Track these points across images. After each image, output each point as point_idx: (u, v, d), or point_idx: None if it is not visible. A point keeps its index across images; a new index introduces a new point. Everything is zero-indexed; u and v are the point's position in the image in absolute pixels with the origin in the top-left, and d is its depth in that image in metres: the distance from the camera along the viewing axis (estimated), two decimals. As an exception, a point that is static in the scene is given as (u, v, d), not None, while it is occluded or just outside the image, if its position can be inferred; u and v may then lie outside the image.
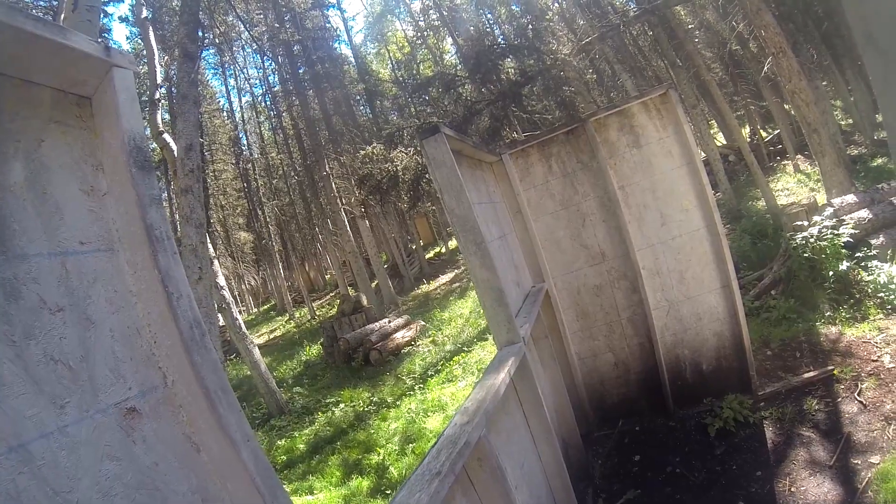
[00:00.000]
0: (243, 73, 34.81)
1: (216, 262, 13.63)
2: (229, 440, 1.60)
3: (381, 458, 8.65)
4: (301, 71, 26.97)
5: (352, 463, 8.89)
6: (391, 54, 37.88)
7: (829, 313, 7.09)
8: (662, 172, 5.96)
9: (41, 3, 19.37)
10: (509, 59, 19.30)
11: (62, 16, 4.32)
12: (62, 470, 1.37)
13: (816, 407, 5.46)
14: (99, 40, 1.79)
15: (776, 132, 20.99)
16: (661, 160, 5.95)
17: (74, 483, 1.38)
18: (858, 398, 5.38)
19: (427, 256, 31.21)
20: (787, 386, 5.94)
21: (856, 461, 4.62)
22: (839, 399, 5.49)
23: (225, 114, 36.65)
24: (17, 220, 1.51)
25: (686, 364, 6.26)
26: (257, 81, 34.89)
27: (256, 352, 13.74)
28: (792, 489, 4.58)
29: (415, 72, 32.50)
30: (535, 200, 6.36)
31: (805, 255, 7.66)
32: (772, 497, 4.55)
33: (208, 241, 13.28)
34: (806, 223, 8.34)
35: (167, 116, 28.77)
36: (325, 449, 10.06)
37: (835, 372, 5.85)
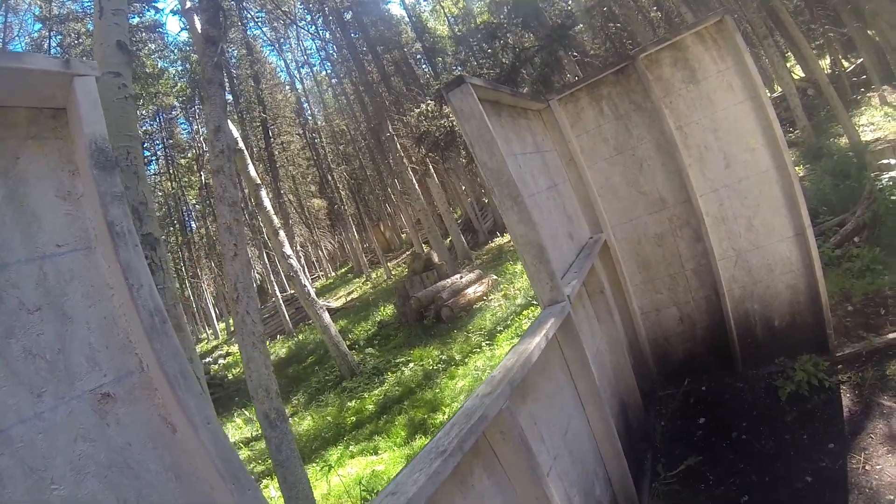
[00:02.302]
0: (300, 46, 35.26)
1: (281, 232, 14.12)
2: (189, 423, 1.71)
3: (445, 417, 8.84)
4: (355, 37, 27.03)
5: (417, 423, 9.14)
6: (446, 10, 37.22)
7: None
8: (723, 109, 5.52)
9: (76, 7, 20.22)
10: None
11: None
12: (38, 451, 1.54)
13: (902, 373, 4.82)
14: (58, 56, 1.91)
15: (859, 61, 19.30)
16: (722, 95, 5.50)
17: (49, 462, 1.54)
18: (952, 365, 4.80)
19: (501, 210, 30.89)
20: (868, 347, 5.29)
21: (944, 439, 4.16)
22: (929, 365, 4.91)
23: (287, 88, 37.24)
24: None
25: (756, 319, 5.85)
26: (314, 52, 35.31)
27: (326, 316, 14.21)
28: (866, 466, 4.10)
29: (472, 25, 31.87)
30: (587, 147, 6.07)
31: (893, 197, 7.05)
32: (843, 474, 4.10)
33: (271, 212, 13.74)
34: (893, 161, 7.70)
35: (229, 97, 29.77)
36: (392, 409, 10.38)
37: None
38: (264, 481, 8.51)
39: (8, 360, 1.58)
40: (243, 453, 11.28)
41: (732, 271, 5.79)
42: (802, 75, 20.61)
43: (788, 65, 20.94)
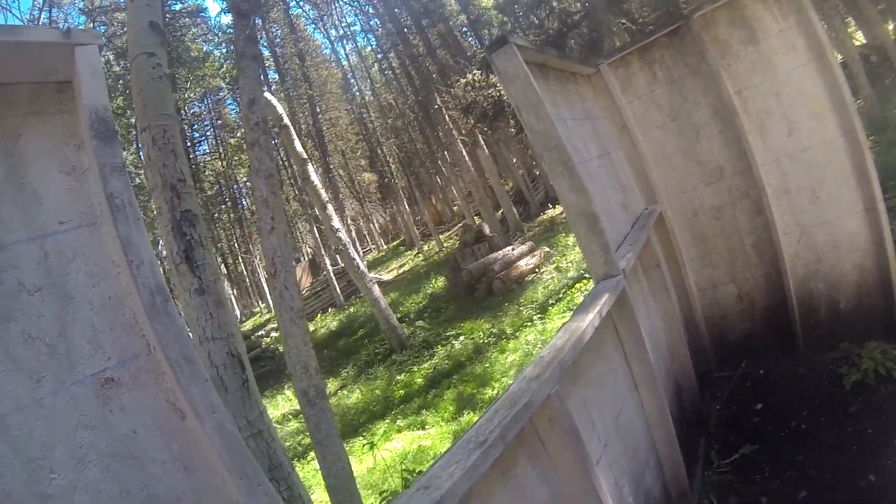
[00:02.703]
0: (343, 21, 35.28)
1: (329, 205, 14.17)
2: (193, 412, 1.60)
3: (495, 392, 8.75)
4: (399, 11, 26.83)
5: (466, 397, 9.08)
6: (493, -21, 36.52)
7: None
8: (786, 72, 5.09)
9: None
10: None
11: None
12: (37, 439, 1.47)
13: (978, 365, 4.50)
14: (60, 26, 1.83)
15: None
16: (784, 57, 5.08)
17: (48, 451, 1.47)
18: None
19: (552, 180, 30.41)
20: None
21: None
22: None
23: (332, 64, 37.38)
24: None
25: (820, 300, 5.46)
26: (358, 27, 35.32)
27: (376, 289, 14.27)
28: (936, 467, 3.81)
29: (519, -7, 31.25)
30: (639, 113, 5.75)
31: None
32: None
33: (319, 186, 13.78)
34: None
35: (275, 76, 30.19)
36: (441, 383, 10.35)
37: None
38: (312, 454, 8.58)
39: (6, 344, 1.51)
40: (293, 425, 11.46)
41: (795, 247, 5.40)
42: (864, 41, 19.35)
43: (850, 30, 19.70)
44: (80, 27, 21.64)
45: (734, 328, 5.93)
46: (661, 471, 3.89)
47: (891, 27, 19.05)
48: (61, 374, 1.57)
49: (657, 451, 3.87)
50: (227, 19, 27.87)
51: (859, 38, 20.06)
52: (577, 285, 12.27)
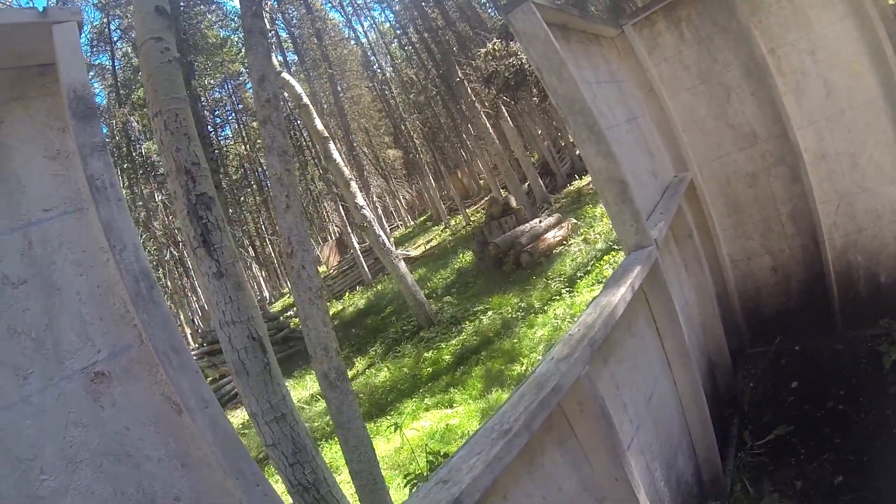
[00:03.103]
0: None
1: (352, 183, 14.11)
2: (184, 406, 1.51)
3: (523, 368, 8.67)
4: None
5: (494, 374, 9.01)
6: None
7: None
8: (822, 27, 4.77)
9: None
10: None
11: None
12: (25, 439, 1.42)
13: None
14: (28, 5, 1.77)
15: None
16: (820, 12, 4.75)
17: (38, 451, 1.43)
18: None
19: (578, 151, 30.03)
20: None
21: None
22: None
23: (352, 42, 37.21)
24: None
25: (860, 273, 5.19)
26: (375, 4, 35.02)
27: (402, 265, 14.23)
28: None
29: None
30: (667, 76, 5.48)
31: None
32: None
33: (341, 164, 13.72)
34: None
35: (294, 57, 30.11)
36: (469, 360, 10.30)
37: None
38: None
39: (-10, 340, 1.45)
40: (320, 405, 11.46)
41: (834, 217, 5.11)
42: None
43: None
44: (96, 23, 21.88)
45: (769, 302, 5.68)
46: (694, 453, 3.74)
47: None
48: (49, 369, 1.51)
49: (690, 433, 3.72)
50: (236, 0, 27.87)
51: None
52: (606, 257, 12.07)
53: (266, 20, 6.19)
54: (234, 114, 33.01)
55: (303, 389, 13.66)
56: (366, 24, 37.71)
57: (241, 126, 33.07)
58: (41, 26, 1.67)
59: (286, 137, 4.79)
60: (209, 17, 26.36)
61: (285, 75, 9.57)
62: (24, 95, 1.75)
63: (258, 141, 32.03)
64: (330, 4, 34.91)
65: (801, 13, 4.78)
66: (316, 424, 10.33)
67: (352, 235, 27.32)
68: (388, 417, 8.78)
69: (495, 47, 17.55)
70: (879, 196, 4.90)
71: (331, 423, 9.85)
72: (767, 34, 4.93)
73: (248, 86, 32.55)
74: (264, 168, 34.49)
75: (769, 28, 4.92)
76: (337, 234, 37.55)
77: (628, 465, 2.42)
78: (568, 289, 11.54)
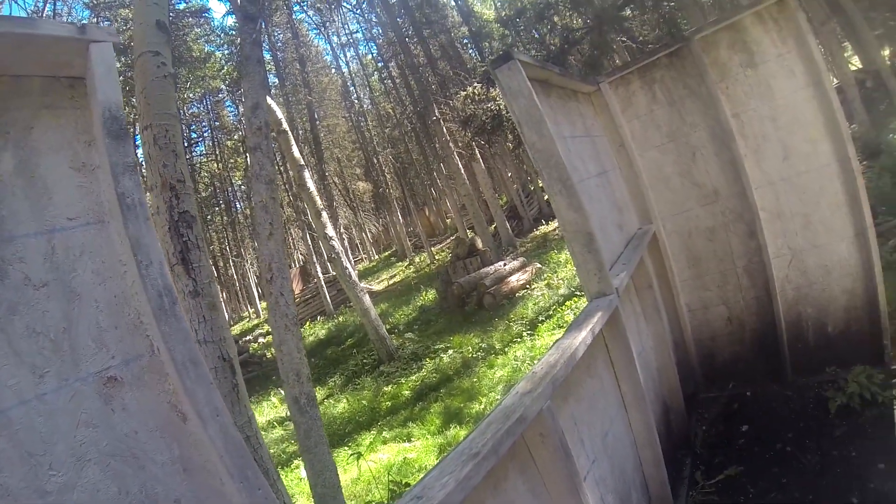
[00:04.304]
0: (345, 28, 35.48)
1: (324, 213, 14.15)
2: (197, 415, 1.60)
3: (482, 407, 8.74)
4: (400, 20, 27.03)
5: (453, 411, 9.06)
6: (493, -7, 36.95)
7: None
8: (783, 96, 5.15)
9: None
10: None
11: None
12: (38, 435, 1.45)
13: (961, 391, 4.56)
14: (76, 21, 1.84)
15: (922, 53, 18.23)
16: (782, 81, 5.13)
17: (49, 447, 1.46)
18: None
19: (546, 197, 30.46)
20: None
21: None
22: None
23: (333, 71, 37.55)
24: (5, 206, 1.60)
25: (809, 324, 5.50)
26: (360, 35, 35.57)
27: (367, 299, 14.23)
28: (918, 491, 3.88)
29: (519, 5, 31.53)
30: (638, 133, 5.78)
31: None
32: (893, 497, 3.86)
33: (315, 193, 13.77)
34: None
35: (275, 80, 30.25)
36: (428, 396, 10.34)
37: None
38: (295, 461, 8.53)
39: (10, 337, 1.50)
40: (277, 432, 11.40)
41: (786, 271, 5.44)
42: (860, 66, 19.53)
43: (846, 55, 19.91)
44: (84, 21, 21.70)
45: (723, 350, 5.95)
46: (647, 490, 3.90)
47: (887, 53, 19.24)
48: (65, 370, 1.56)
49: (643, 471, 3.88)
50: (230, 21, 27.95)
51: (856, 63, 20.27)
52: (568, 303, 12.31)
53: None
54: (210, 130, 32.81)
55: (260, 416, 13.46)
56: (349, 55, 38.14)
57: (216, 144, 32.87)
58: (79, 42, 1.72)
59: (274, 166, 4.89)
60: (196, 30, 26.38)
61: (267, 99, 9.68)
62: (54, 105, 1.79)
63: (231, 160, 31.83)
64: (316, 31, 35.28)
65: (765, 82, 5.13)
66: (273, 451, 10.17)
67: (316, 265, 27.18)
68: (346, 448, 8.71)
69: (475, 91, 17.92)
70: (829, 253, 5.23)
71: (287, 450, 9.77)
72: (733, 100, 5.27)
73: (228, 104, 32.50)
74: (235, 189, 34.24)
75: (735, 94, 5.26)
76: (301, 262, 37.27)
77: (584, 495, 2.57)
78: (529, 332, 11.71)
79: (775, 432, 4.88)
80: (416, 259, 33.98)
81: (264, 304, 39.00)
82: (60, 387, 1.54)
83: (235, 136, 32.37)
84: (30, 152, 1.70)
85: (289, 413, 12.40)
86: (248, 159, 5.01)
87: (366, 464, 7.08)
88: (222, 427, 1.61)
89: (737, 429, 5.17)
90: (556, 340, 3.11)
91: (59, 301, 1.62)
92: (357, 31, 35.91)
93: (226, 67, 29.65)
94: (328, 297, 26.02)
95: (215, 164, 32.70)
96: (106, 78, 1.79)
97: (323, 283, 26.13)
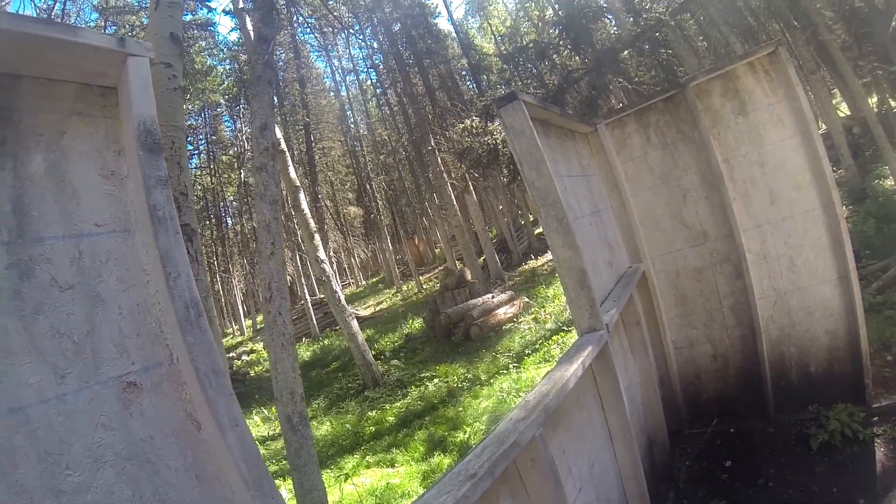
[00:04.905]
0: (347, 53, 35.88)
1: (317, 236, 14.16)
2: (216, 424, 1.63)
3: (466, 436, 8.72)
4: (402, 49, 27.38)
5: (437, 439, 9.02)
6: (494, 28, 37.52)
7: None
8: (772, 143, 5.35)
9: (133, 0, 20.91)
10: (607, 20, 18.39)
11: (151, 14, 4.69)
12: (56, 434, 1.48)
13: (939, 430, 4.67)
14: (113, 33, 1.89)
15: (908, 101, 18.71)
16: (771, 129, 5.34)
17: (67, 447, 1.48)
18: None
19: (537, 231, 30.56)
20: None
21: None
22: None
23: (331, 94, 37.85)
24: (35, 207, 1.64)
25: (792, 363, 5.64)
26: (361, 61, 35.95)
27: (355, 324, 14.20)
28: (897, 526, 3.96)
29: (519, 43, 32.01)
30: (632, 174, 5.96)
31: None
32: None
33: (308, 215, 13.81)
34: (941, 206, 7.42)
35: (274, 99, 30.38)
36: (413, 423, 10.29)
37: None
38: (278, 481, 8.44)
39: (34, 336, 1.53)
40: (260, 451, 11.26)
41: (771, 311, 5.59)
42: (848, 113, 20.02)
43: (834, 102, 20.39)
44: (92, 24, 21.77)
45: (708, 387, 6.05)
46: (632, 522, 3.94)
47: (873, 101, 19.71)
48: (86, 372, 1.59)
49: (628, 502, 3.94)
50: (234, 36, 28.19)
51: (844, 111, 20.73)
52: (555, 337, 12.35)
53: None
54: (206, 144, 32.84)
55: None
56: (349, 79, 38.48)
57: (211, 158, 32.88)
58: (116, 54, 1.77)
59: (278, 186, 4.94)
60: (201, 42, 26.54)
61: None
62: (85, 113, 1.83)
63: (224, 175, 31.80)
64: (318, 54, 35.61)
65: (755, 130, 5.34)
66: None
67: (304, 286, 27.08)
68: (329, 471, 8.62)
69: (473, 124, 18.12)
70: (813, 294, 5.39)
71: (270, 469, 9.65)
72: (724, 145, 5.46)
73: (226, 118, 32.57)
74: (227, 204, 34.15)
75: (726, 140, 5.46)
76: (289, 283, 37.08)
77: (572, 521, 2.63)
78: (515, 364, 11.71)
79: (758, 468, 4.99)
80: (404, 287, 33.92)
81: (249, 323, 38.74)
82: (81, 388, 1.57)
83: (231, 152, 32.43)
84: (60, 156, 1.74)
85: (271, 432, 12.35)
86: (252, 178, 5.05)
87: (348, 487, 7.03)
88: (240, 436, 1.65)
89: (720, 464, 5.25)
90: (549, 372, 3.20)
91: (83, 305, 1.65)
92: (358, 57, 36.34)
93: (226, 83, 29.82)
94: (314, 319, 25.90)
95: (209, 178, 32.67)
96: (142, 92, 1.85)
97: (310, 305, 26.01)
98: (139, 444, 1.62)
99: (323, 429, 11.77)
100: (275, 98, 29.90)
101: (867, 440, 4.84)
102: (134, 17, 21.36)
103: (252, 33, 9.63)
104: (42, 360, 1.52)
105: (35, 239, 1.61)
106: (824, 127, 17.07)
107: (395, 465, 8.39)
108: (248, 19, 10.71)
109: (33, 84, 1.70)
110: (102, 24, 21.59)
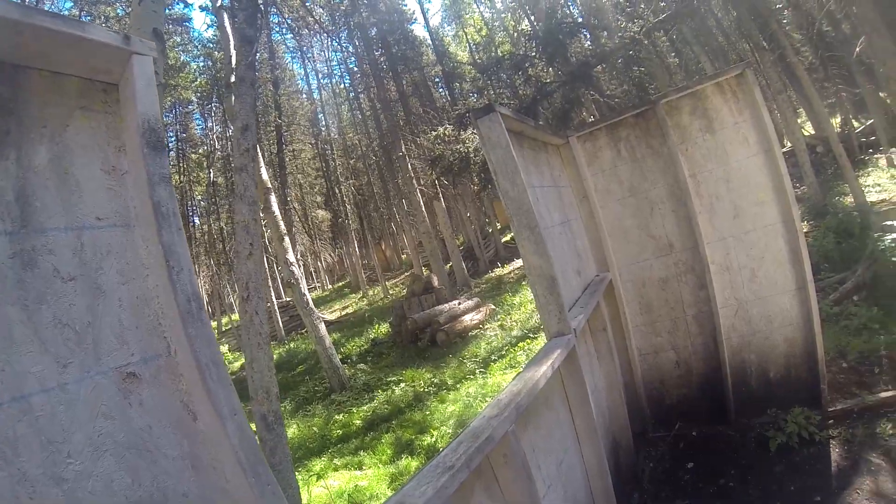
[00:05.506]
0: (322, 56, 35.72)
1: (286, 238, 14.05)
2: (216, 413, 1.67)
3: (433, 439, 8.76)
4: (377, 54, 27.40)
5: (404, 442, 9.05)
6: (469, 37, 37.78)
7: (917, 326, 6.33)
8: (737, 160, 5.57)
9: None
10: (582, 36, 18.70)
11: (131, 8, 4.64)
12: (58, 423, 1.51)
13: (891, 432, 4.87)
14: (118, 30, 1.92)
15: (869, 122, 19.31)
16: (737, 147, 5.56)
17: (68, 435, 1.51)
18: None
19: (504, 240, 30.84)
20: (860, 405, 5.36)
21: (931, 500, 4.15)
22: (919, 426, 4.94)
23: (304, 96, 37.66)
24: (38, 198, 1.66)
25: (752, 370, 5.85)
26: (335, 64, 35.82)
27: (322, 327, 14.12)
28: (852, 521, 4.14)
29: (493, 54, 32.22)
30: (602, 186, 6.12)
31: (894, 258, 7.06)
32: None
33: (279, 217, 13.71)
34: (897, 223, 7.74)
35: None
36: (380, 427, 10.29)
37: (918, 395, 5.23)
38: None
39: (37, 326, 1.55)
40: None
41: (732, 320, 5.80)
42: (813, 132, 20.67)
43: (799, 121, 21.05)
44: (65, 13, 21.26)
45: (671, 392, 6.23)
46: (597, 519, 4.06)
47: (837, 121, 20.41)
48: (87, 362, 1.61)
49: (594, 501, 4.05)
50: (210, 33, 27.84)
51: (808, 129, 21.40)
52: (521, 344, 12.50)
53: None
54: (176, 141, 32.30)
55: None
56: (322, 82, 38.29)
57: (180, 156, 32.35)
58: (121, 52, 1.80)
59: (257, 188, 4.96)
60: (175, 38, 26.16)
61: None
62: (88, 108, 1.85)
63: (193, 174, 31.32)
64: (292, 56, 35.38)
65: (721, 147, 5.56)
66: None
67: (270, 289, 26.85)
68: (297, 473, 8.58)
69: (446, 132, 18.20)
70: (772, 304, 5.62)
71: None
72: (691, 161, 5.66)
73: (196, 116, 32.08)
74: (194, 203, 33.61)
75: (693, 156, 5.66)
76: (254, 284, 36.63)
77: (542, 516, 2.74)
78: (482, 370, 11.81)
79: (719, 469, 5.19)
80: (370, 292, 33.83)
81: (214, 324, 38.16)
82: (82, 378, 1.59)
83: (201, 150, 31.96)
84: (63, 149, 1.76)
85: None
86: (222, 178, 5.03)
87: (316, 489, 7.02)
88: (239, 425, 1.69)
89: (683, 466, 5.45)
90: (519, 373, 3.33)
91: (85, 296, 1.68)
92: (333, 61, 36.19)
93: (199, 80, 29.42)
94: (280, 322, 25.69)
95: (177, 177, 32.14)
96: (146, 90, 1.88)
97: (276, 307, 25.79)
98: (138, 433, 1.65)
99: (290, 431, 11.66)
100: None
101: (823, 442, 5.08)
102: (109, 9, 20.94)
103: (230, 32, 9.57)
104: (44, 350, 1.54)
105: (38, 229, 1.63)
106: (789, 145, 17.63)
107: (363, 467, 8.39)
108: (226, 17, 10.62)
109: (38, 76, 1.72)
110: (77, 13, 21.12)
